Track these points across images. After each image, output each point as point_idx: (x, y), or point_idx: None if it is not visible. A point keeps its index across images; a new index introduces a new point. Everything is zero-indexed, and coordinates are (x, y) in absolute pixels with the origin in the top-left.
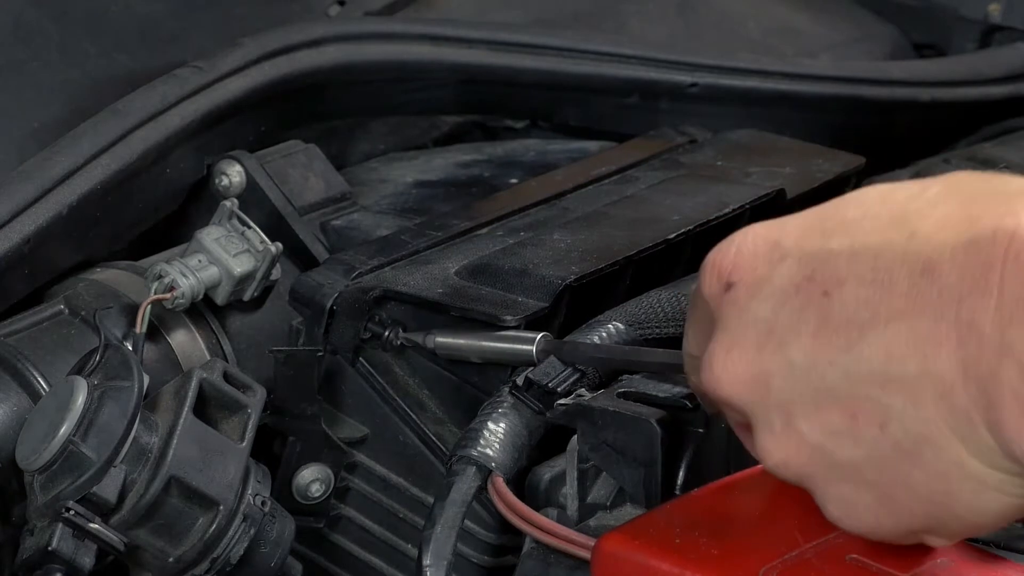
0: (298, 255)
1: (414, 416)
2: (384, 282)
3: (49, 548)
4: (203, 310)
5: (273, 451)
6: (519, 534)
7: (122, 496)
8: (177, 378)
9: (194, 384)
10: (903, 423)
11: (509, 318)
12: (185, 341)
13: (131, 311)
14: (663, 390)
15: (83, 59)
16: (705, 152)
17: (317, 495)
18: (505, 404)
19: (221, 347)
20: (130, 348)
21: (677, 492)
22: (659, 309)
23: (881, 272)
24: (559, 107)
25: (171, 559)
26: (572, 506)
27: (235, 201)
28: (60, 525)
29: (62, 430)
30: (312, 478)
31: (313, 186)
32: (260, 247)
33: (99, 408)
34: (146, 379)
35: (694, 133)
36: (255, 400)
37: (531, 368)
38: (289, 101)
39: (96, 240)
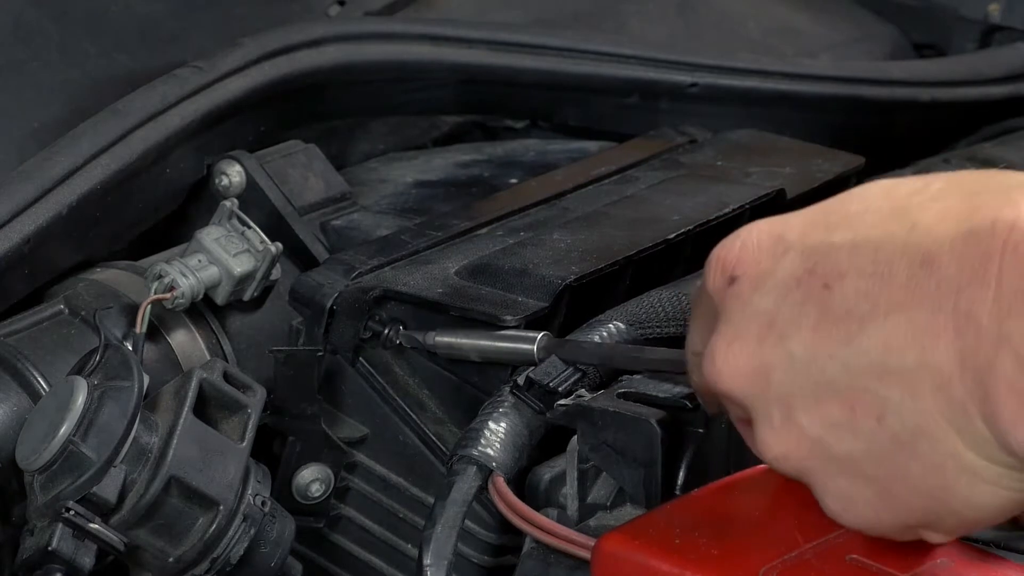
0: (298, 255)
1: (414, 416)
2: (384, 282)
3: (49, 548)
4: (203, 310)
5: (273, 451)
6: (519, 534)
7: (122, 496)
8: (177, 378)
9: (194, 384)
10: (900, 415)
11: (509, 318)
12: (185, 341)
13: (131, 311)
14: (663, 390)
15: (83, 59)
16: (705, 152)
17: (317, 495)
18: (506, 404)
19: (221, 347)
20: (130, 348)
21: (677, 492)
22: (660, 308)
23: (881, 264)
24: (559, 107)
25: (171, 559)
26: (572, 506)
27: (235, 201)
28: (60, 525)
29: (62, 430)
30: (312, 478)
31: (313, 186)
32: (260, 247)
33: (99, 408)
34: (146, 379)
35: (694, 133)
36: (255, 400)
37: (532, 368)
38: (289, 101)
39: (96, 240)
